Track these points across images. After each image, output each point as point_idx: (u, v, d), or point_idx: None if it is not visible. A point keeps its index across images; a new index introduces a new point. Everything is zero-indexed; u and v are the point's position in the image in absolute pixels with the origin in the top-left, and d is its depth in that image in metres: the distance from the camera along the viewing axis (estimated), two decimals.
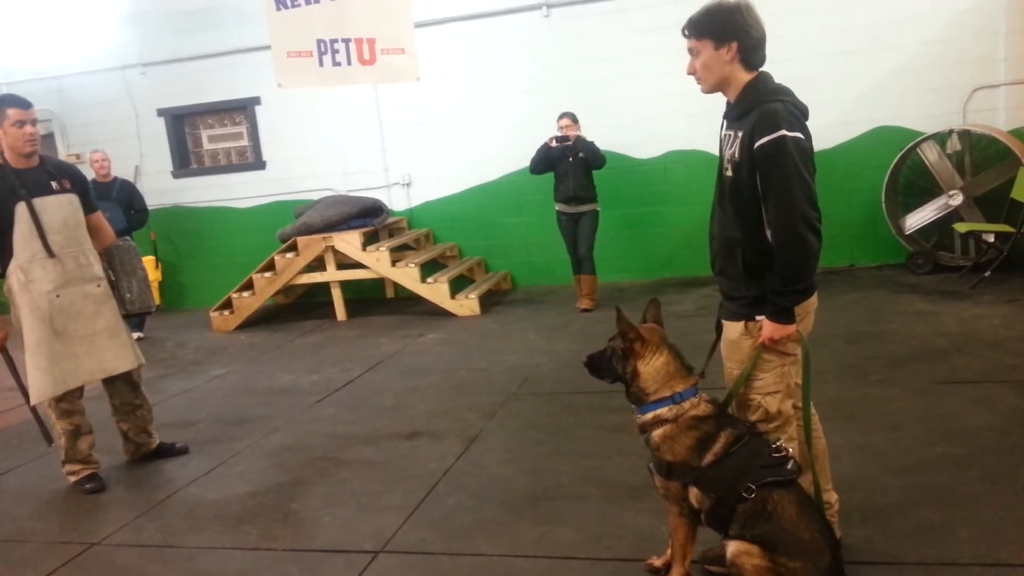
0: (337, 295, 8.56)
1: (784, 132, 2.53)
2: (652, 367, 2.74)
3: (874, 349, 5.55)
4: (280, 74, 7.31)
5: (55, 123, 10.26)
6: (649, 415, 2.75)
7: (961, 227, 7.53)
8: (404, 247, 8.97)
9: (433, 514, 3.72)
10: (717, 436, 2.64)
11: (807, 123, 2.66)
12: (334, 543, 3.52)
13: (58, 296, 4.19)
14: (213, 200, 9.97)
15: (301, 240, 8.43)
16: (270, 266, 8.64)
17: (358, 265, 8.43)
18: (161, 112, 9.94)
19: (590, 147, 7.58)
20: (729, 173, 2.72)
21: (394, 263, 8.32)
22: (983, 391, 4.54)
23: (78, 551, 3.66)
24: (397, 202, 9.49)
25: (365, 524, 3.67)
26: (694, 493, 2.66)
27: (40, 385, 4.19)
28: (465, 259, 9.23)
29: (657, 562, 2.99)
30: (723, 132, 2.82)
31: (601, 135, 7.86)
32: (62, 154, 10.28)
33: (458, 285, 8.52)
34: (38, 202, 4.13)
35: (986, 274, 7.05)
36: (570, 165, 7.57)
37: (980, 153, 7.81)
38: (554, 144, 7.55)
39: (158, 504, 4.13)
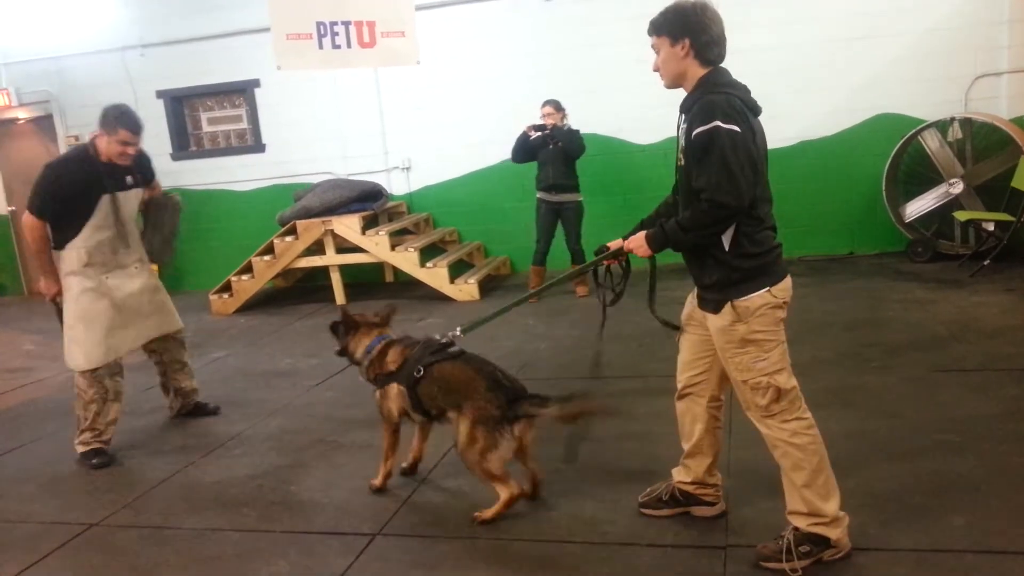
0: (336, 279, 8.55)
1: (718, 123, 2.59)
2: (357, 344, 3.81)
3: (873, 336, 5.56)
4: (280, 56, 7.28)
5: (54, 105, 10.21)
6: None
7: (961, 215, 7.52)
8: (403, 231, 8.95)
9: (430, 497, 3.74)
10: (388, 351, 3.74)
11: (752, 120, 2.71)
12: (332, 525, 3.54)
13: (107, 278, 4.55)
14: (212, 183, 9.94)
15: (300, 224, 8.42)
16: (269, 249, 8.63)
17: (357, 249, 8.42)
18: (160, 94, 9.89)
19: (567, 135, 7.51)
20: (682, 162, 2.81)
21: (393, 247, 8.31)
22: (981, 379, 4.55)
23: (76, 532, 3.67)
24: (397, 186, 9.47)
25: (363, 507, 3.69)
26: (395, 392, 3.59)
27: (93, 352, 4.46)
28: (465, 244, 9.22)
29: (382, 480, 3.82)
30: (680, 126, 2.89)
31: (601, 121, 7.85)
32: (60, 136, 10.26)
33: (457, 270, 8.51)
34: (120, 196, 4.49)
35: (986, 263, 7.05)
36: (550, 154, 7.54)
37: (981, 141, 7.79)
38: (532, 133, 7.52)
39: (157, 485, 4.14)
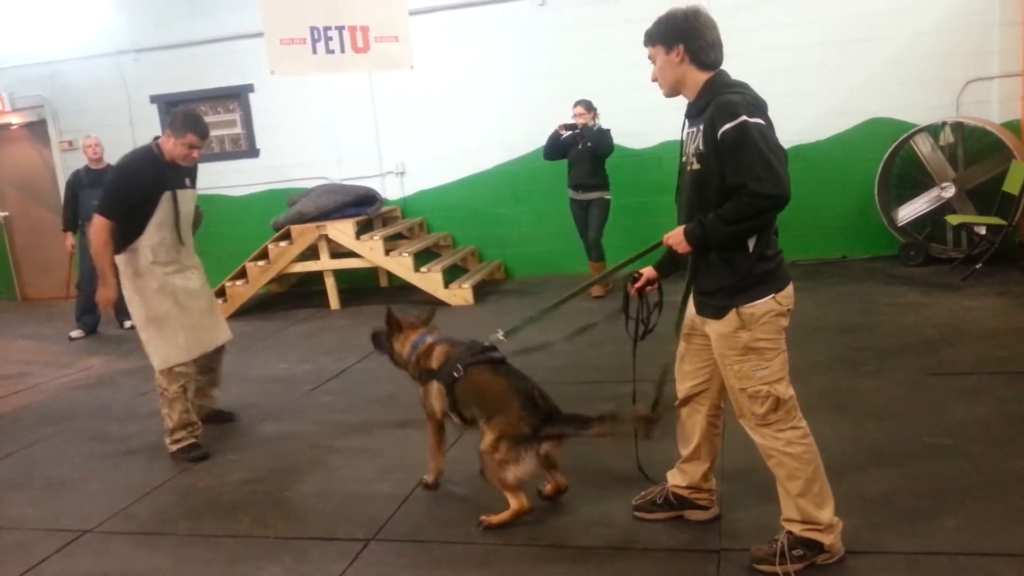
0: (330, 284, 8.55)
1: (745, 118, 2.59)
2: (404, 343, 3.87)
3: (865, 340, 5.58)
4: (273, 61, 7.29)
5: (47, 109, 10.20)
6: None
7: (953, 219, 7.55)
8: (398, 236, 8.96)
9: (425, 502, 3.74)
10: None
11: (768, 113, 2.72)
12: (326, 531, 3.54)
13: (172, 277, 4.63)
14: (206, 188, 9.76)
15: (295, 229, 8.42)
16: (263, 255, 8.63)
17: (352, 254, 8.42)
18: (154, 99, 9.89)
19: (596, 135, 7.62)
20: (696, 166, 2.77)
21: (388, 252, 8.31)
22: (973, 383, 4.57)
23: (71, 538, 3.67)
24: (391, 191, 9.47)
25: (357, 512, 3.69)
26: (436, 390, 3.63)
27: (168, 352, 4.55)
28: (459, 248, 9.23)
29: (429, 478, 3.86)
30: (685, 132, 2.89)
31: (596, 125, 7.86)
32: (54, 141, 10.25)
33: (452, 275, 8.51)
34: (180, 194, 4.58)
35: (977, 266, 7.08)
36: (579, 153, 7.67)
37: (973, 145, 7.83)
38: (563, 132, 7.60)
39: (152, 491, 4.14)
